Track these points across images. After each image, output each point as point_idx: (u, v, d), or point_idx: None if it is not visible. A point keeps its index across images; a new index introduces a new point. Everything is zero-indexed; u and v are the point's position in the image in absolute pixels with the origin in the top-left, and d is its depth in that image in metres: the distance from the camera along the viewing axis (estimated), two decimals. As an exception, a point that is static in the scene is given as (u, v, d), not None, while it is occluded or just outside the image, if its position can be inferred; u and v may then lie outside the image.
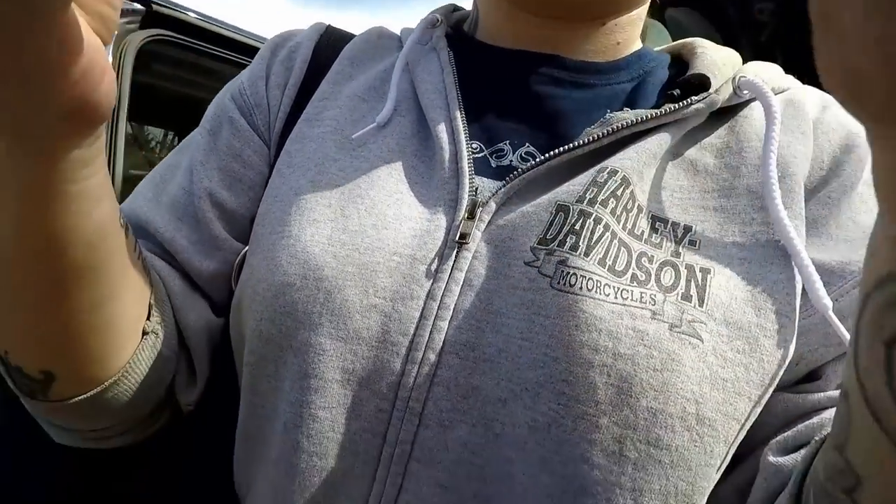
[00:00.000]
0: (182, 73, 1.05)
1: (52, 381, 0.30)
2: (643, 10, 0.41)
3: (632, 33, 0.40)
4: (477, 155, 0.35)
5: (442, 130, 0.35)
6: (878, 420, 0.17)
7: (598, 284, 0.29)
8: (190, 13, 0.90)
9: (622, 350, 0.27)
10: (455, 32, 0.43)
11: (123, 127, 0.75)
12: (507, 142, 0.36)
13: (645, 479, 0.28)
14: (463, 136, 0.34)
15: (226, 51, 1.01)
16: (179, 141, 0.46)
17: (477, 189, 0.33)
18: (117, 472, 0.38)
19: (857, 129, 0.36)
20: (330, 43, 0.43)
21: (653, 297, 0.29)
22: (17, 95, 0.21)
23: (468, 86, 0.38)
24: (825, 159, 0.34)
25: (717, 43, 0.45)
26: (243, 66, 0.46)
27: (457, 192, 0.33)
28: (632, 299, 0.29)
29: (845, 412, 0.19)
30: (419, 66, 0.39)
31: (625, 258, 0.30)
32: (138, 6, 0.83)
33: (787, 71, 0.41)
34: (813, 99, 0.38)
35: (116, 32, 0.38)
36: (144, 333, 0.33)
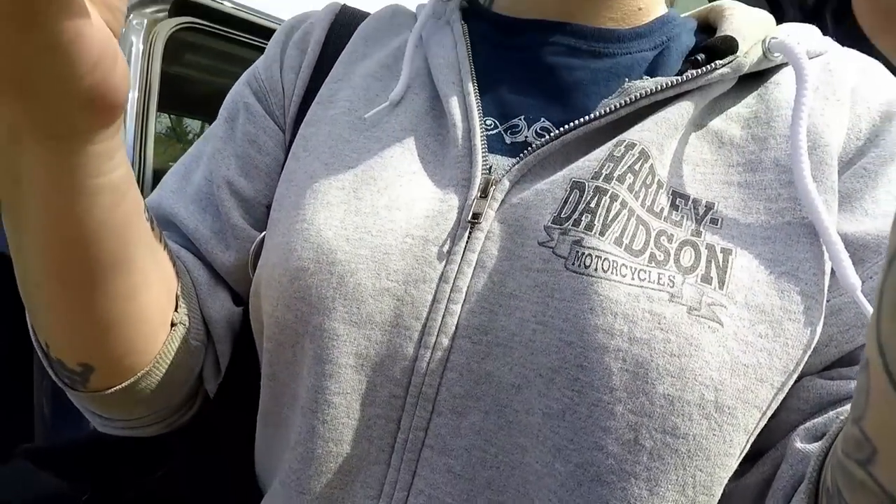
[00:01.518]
0: (213, 62, 1.07)
1: (90, 373, 0.31)
2: None
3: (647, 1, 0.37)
4: (491, 131, 0.34)
5: (455, 107, 0.34)
6: None
7: (615, 265, 0.27)
8: (220, 0, 0.92)
9: (638, 334, 0.26)
10: (470, 4, 0.42)
11: (154, 118, 0.77)
12: (522, 117, 0.34)
13: (661, 468, 0.26)
14: (476, 113, 0.33)
15: (258, 38, 1.02)
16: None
17: (491, 167, 0.32)
18: (146, 460, 0.39)
19: (886, 93, 0.33)
20: (345, 23, 0.42)
21: (671, 278, 0.28)
22: (36, 88, 0.21)
23: (482, 59, 0.36)
24: (863, 128, 0.31)
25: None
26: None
27: (469, 171, 0.32)
28: (649, 281, 0.27)
29: (864, 382, 0.17)
30: (432, 40, 0.38)
31: (643, 237, 0.29)
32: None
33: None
34: (853, 64, 0.34)
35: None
36: (173, 324, 0.33)
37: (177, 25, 0.85)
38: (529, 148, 0.32)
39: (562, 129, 0.31)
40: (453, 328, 0.29)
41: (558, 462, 0.27)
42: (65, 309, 0.29)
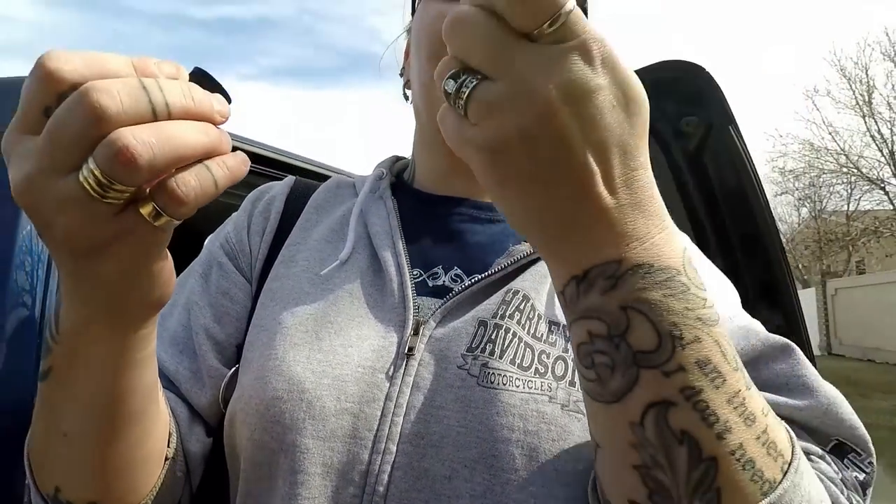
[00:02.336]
0: None
1: None
2: None
3: None
4: (417, 279, 0.45)
5: (391, 266, 0.44)
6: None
7: (511, 379, 0.37)
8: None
9: (530, 428, 0.36)
10: (397, 181, 0.55)
11: None
12: (441, 266, 0.46)
13: None
14: (406, 270, 0.44)
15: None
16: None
17: (419, 307, 0.42)
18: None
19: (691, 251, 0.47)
20: (299, 194, 0.54)
21: (549, 385, 0.38)
22: (129, 300, 0.29)
23: (409, 226, 0.48)
24: None
25: (656, 151, 0.57)
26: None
27: (404, 315, 0.42)
28: (535, 388, 0.37)
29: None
30: (371, 212, 0.49)
31: (529, 357, 0.39)
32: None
33: (714, 169, 0.53)
34: None
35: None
36: (166, 459, 0.39)
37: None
38: (448, 295, 0.42)
39: (469, 280, 0.43)
40: (398, 436, 0.37)
41: None
42: (87, 456, 0.34)
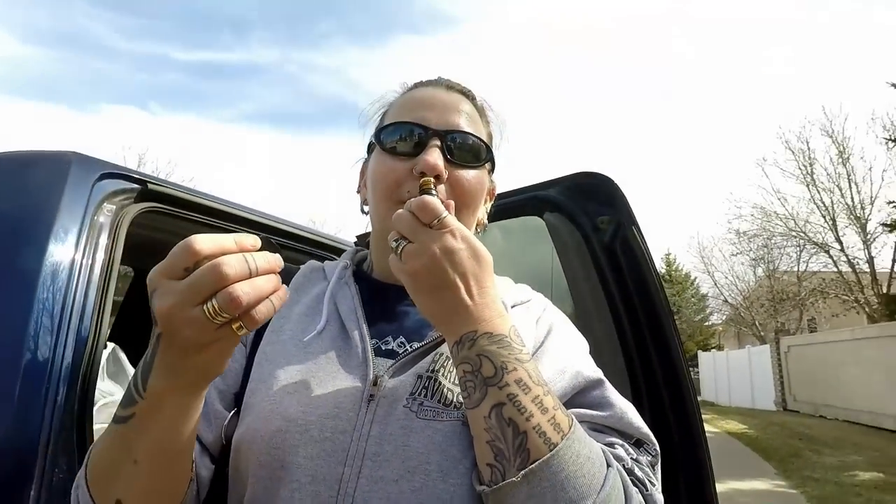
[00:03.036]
0: (169, 235, 1.35)
1: None
2: None
3: None
4: (374, 346, 0.62)
5: (356, 336, 0.62)
6: None
7: (438, 413, 0.55)
8: (175, 188, 1.21)
9: (449, 443, 0.53)
10: (358, 270, 0.73)
11: (115, 282, 1.01)
12: (390, 336, 0.64)
13: None
14: (367, 339, 0.62)
15: (204, 217, 1.32)
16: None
17: (377, 365, 0.60)
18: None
19: (556, 321, 0.67)
20: (283, 277, 0.71)
21: (461, 414, 0.55)
22: (206, 377, 0.46)
23: (367, 305, 0.66)
24: (541, 333, 0.64)
25: (576, 238, 0.77)
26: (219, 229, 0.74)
27: (366, 371, 0.59)
28: (453, 417, 0.55)
29: None
30: (339, 295, 0.68)
31: (450, 397, 0.57)
32: (136, 185, 1.13)
33: (621, 254, 0.73)
34: (538, 304, 0.69)
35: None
36: (190, 480, 0.55)
37: (141, 209, 1.12)
38: (397, 357, 0.60)
39: (410, 346, 0.61)
40: (363, 454, 0.53)
41: None
42: (148, 477, 0.49)
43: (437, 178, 0.61)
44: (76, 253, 0.95)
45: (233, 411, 0.60)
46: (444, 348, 0.61)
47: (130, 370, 1.35)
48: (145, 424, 0.47)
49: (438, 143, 0.62)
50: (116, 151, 17.27)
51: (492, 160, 0.69)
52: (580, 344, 0.68)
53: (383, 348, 0.63)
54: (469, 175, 0.64)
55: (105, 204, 1.06)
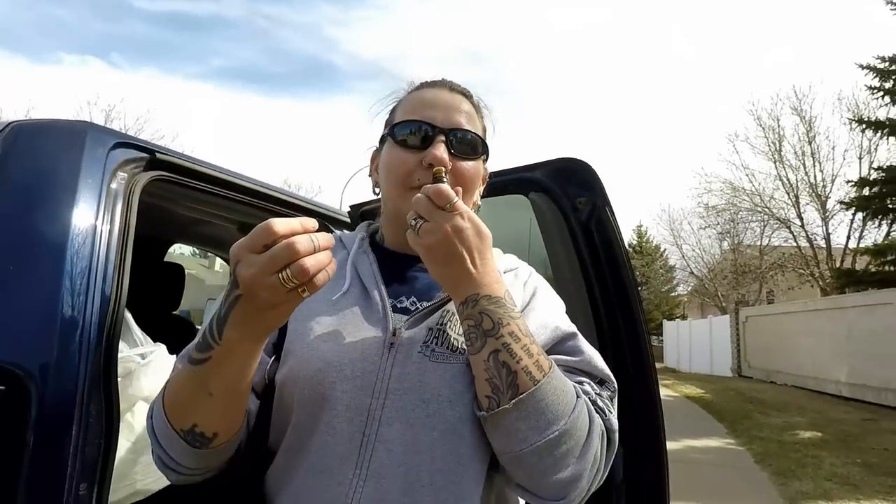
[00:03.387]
0: (179, 204, 1.41)
1: (215, 437, 0.63)
2: None
3: None
4: (391, 304, 0.74)
5: (376, 295, 0.75)
6: None
7: (447, 357, 0.68)
8: (180, 158, 1.27)
9: (456, 380, 0.67)
10: (371, 240, 0.86)
11: (130, 250, 1.08)
12: (404, 297, 0.76)
13: None
14: (386, 298, 0.74)
15: (210, 185, 1.39)
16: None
17: (394, 320, 0.72)
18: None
19: (540, 285, 0.81)
20: None
21: (467, 358, 0.67)
22: (271, 328, 0.58)
23: (384, 270, 0.78)
24: (528, 292, 0.78)
25: (557, 216, 0.90)
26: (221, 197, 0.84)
27: (386, 324, 0.71)
28: (460, 360, 0.68)
29: None
30: (359, 262, 0.80)
31: (457, 344, 0.69)
32: (145, 154, 1.19)
33: (596, 231, 0.86)
34: (525, 270, 0.83)
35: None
36: (246, 411, 0.68)
37: (150, 178, 1.19)
38: (410, 313, 0.73)
39: (422, 305, 0.74)
40: (385, 390, 0.66)
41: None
42: (221, 406, 0.62)
43: (444, 168, 0.72)
44: (96, 219, 1.02)
45: (272, 357, 0.73)
46: (450, 306, 0.73)
47: (136, 329, 1.43)
48: (220, 365, 0.58)
49: (444, 138, 0.74)
50: (81, 107, 16.52)
51: (487, 152, 0.80)
52: (558, 304, 0.82)
53: (398, 306, 0.75)
54: (468, 165, 0.76)
55: (118, 172, 1.13)
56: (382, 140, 0.82)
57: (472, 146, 0.77)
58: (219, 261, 14.79)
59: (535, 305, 0.77)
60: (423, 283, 0.78)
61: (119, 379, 1.00)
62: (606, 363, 0.73)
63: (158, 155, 1.21)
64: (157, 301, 2.19)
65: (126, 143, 1.16)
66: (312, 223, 0.54)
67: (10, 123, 1.09)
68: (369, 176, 0.87)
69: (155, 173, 1.20)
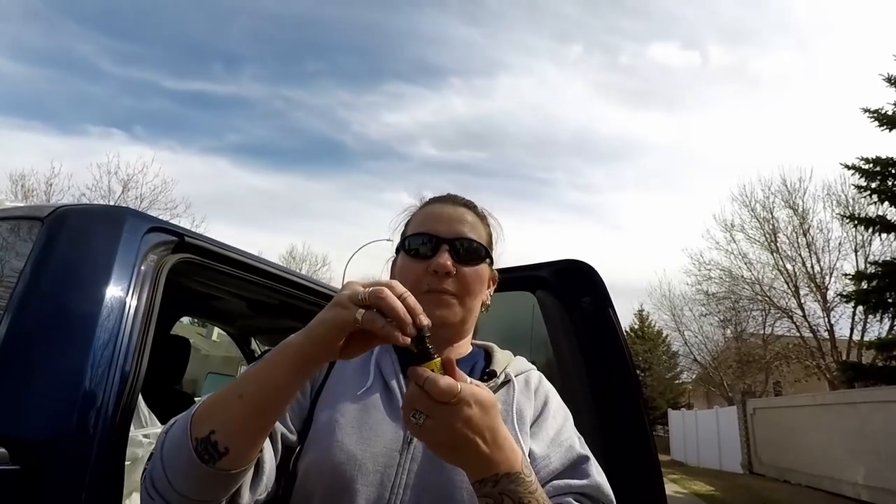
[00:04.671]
0: (202, 284, 1.49)
1: (226, 454, 0.60)
2: (466, 338, 0.88)
3: (464, 348, 0.88)
4: None
5: (397, 393, 0.79)
6: None
7: None
8: (206, 242, 1.36)
9: (468, 482, 0.66)
10: None
11: (154, 325, 1.13)
12: None
13: None
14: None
15: (231, 268, 1.47)
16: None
17: None
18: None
19: (550, 392, 0.84)
20: None
21: None
22: (329, 355, 0.61)
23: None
24: (538, 406, 0.80)
25: (562, 312, 0.94)
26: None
27: None
28: None
29: None
30: (381, 360, 0.85)
31: None
32: (174, 238, 1.27)
33: (599, 327, 0.90)
34: (535, 376, 0.86)
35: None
36: (260, 449, 0.67)
37: (178, 259, 1.26)
38: None
39: None
40: (404, 486, 0.69)
41: None
42: (247, 415, 0.62)
43: (447, 274, 0.81)
44: (126, 299, 1.08)
45: (298, 448, 0.75)
46: None
47: (143, 407, 1.44)
48: (268, 367, 0.62)
49: (448, 248, 0.82)
50: (102, 176, 17.22)
51: (490, 257, 0.88)
52: (567, 415, 0.86)
53: None
54: (471, 270, 0.84)
55: (150, 254, 1.20)
56: (398, 250, 0.91)
57: (475, 252, 0.84)
58: (217, 330, 14.66)
59: (547, 415, 0.81)
60: None
61: (127, 463, 1.00)
62: (607, 457, 0.76)
63: (186, 238, 1.30)
64: (160, 374, 2.19)
65: (159, 227, 1.25)
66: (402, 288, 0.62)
67: (57, 208, 1.19)
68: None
69: (182, 255, 1.28)
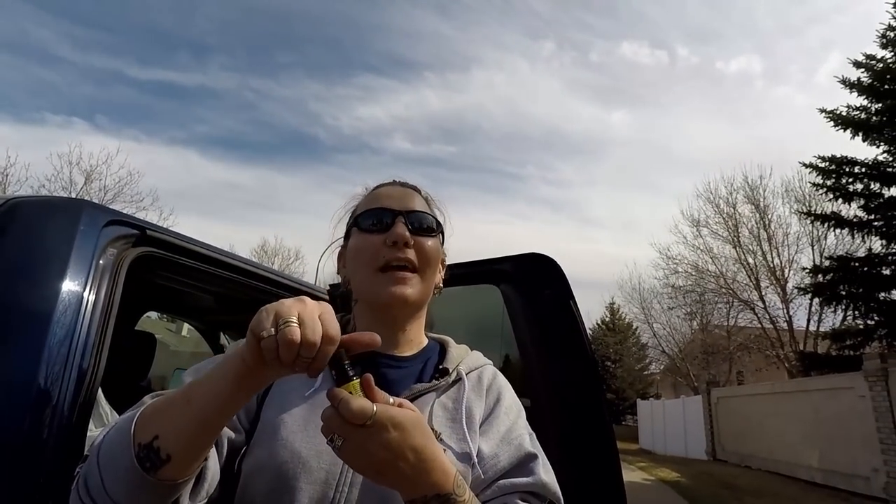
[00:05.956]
0: (165, 277, 1.46)
1: (168, 462, 0.58)
2: (420, 324, 0.88)
3: (419, 338, 0.88)
4: None
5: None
6: None
7: None
8: (169, 235, 1.33)
9: None
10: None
11: (114, 320, 1.11)
12: None
13: None
14: None
15: (195, 261, 1.44)
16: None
17: None
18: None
19: (503, 389, 0.85)
20: None
21: None
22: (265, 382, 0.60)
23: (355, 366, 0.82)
24: (490, 404, 0.82)
25: (524, 305, 0.94)
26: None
27: None
28: None
29: None
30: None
31: None
32: (135, 231, 1.24)
33: (560, 318, 0.92)
34: (489, 372, 0.87)
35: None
36: (205, 457, 0.65)
37: (140, 252, 1.24)
38: None
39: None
40: (349, 483, 0.69)
41: None
42: (192, 421, 0.59)
43: (406, 244, 0.80)
44: (84, 293, 1.06)
45: (244, 449, 0.74)
46: (419, 402, 0.77)
47: (104, 405, 1.41)
48: (209, 381, 0.60)
49: (403, 219, 0.82)
50: (63, 167, 16.48)
51: (442, 232, 0.89)
52: (520, 411, 0.87)
53: None
54: (429, 242, 0.84)
55: (109, 248, 1.18)
56: (348, 235, 0.90)
57: (429, 225, 0.85)
58: (186, 326, 14.29)
59: (498, 413, 0.81)
60: (392, 379, 0.82)
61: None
62: (566, 444, 0.78)
63: (149, 232, 1.27)
64: (125, 370, 2.14)
65: (119, 220, 1.22)
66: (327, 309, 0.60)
67: (8, 199, 1.14)
68: (338, 273, 0.93)
69: (144, 249, 1.26)
